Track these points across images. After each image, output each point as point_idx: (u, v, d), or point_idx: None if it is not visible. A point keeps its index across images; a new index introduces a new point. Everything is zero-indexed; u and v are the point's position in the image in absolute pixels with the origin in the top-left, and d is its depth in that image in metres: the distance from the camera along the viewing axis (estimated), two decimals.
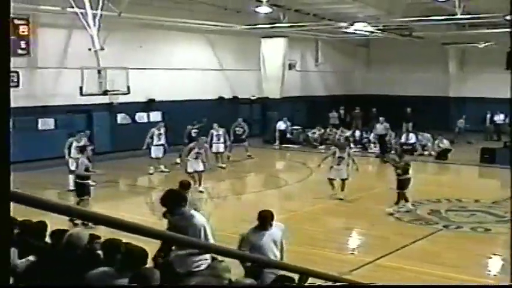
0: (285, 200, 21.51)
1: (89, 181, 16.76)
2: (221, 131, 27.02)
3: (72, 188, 18.52)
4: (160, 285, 6.68)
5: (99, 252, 8.47)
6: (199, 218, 7.92)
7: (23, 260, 7.84)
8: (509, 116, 35.14)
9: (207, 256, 7.99)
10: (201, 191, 20.53)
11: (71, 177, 19.84)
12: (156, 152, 24.75)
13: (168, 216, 8.26)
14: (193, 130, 27.18)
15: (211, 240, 7.82)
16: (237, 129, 29.37)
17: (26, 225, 9.51)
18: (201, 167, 20.89)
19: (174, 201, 7.83)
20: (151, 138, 24.78)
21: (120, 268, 6.80)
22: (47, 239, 9.38)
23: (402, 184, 18.13)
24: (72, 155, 20.37)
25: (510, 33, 24.85)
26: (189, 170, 20.63)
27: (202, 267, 7.93)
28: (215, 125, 27.20)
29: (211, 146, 25.72)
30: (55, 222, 8.98)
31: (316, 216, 17.89)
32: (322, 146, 33.21)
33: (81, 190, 16.43)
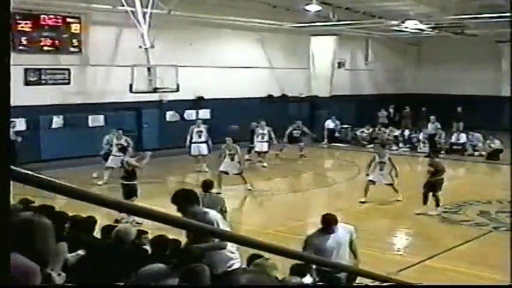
0: (332, 198, 21.47)
1: (135, 181, 16.82)
2: (266, 130, 26.93)
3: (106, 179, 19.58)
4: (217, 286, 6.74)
5: (147, 247, 8.61)
6: (211, 215, 7.87)
7: (73, 254, 8.01)
8: None
9: (236, 254, 8.07)
10: (249, 189, 20.71)
11: (107, 173, 20.46)
12: (194, 149, 24.74)
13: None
14: (295, 131, 27.62)
15: None
16: (294, 131, 29.17)
17: (76, 220, 9.71)
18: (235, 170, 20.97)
19: (185, 200, 7.69)
20: (191, 136, 24.80)
21: (174, 267, 6.85)
22: (96, 234, 9.56)
23: (432, 185, 17.80)
24: (114, 153, 20.88)
25: (510, 33, 24.79)
26: (221, 169, 20.76)
27: (237, 265, 8.00)
28: (262, 123, 27.18)
29: (252, 144, 26.10)
30: (105, 217, 9.15)
31: (364, 216, 17.81)
32: (371, 145, 33.06)
33: (129, 192, 16.48)
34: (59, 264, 3.60)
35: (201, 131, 25.10)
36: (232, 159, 20.85)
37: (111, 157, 21.15)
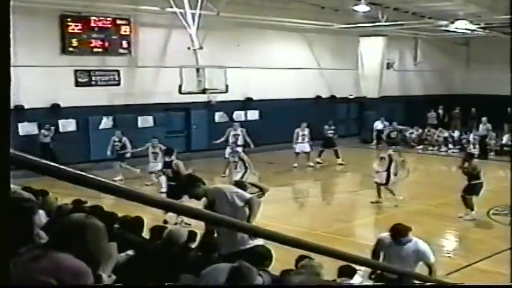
0: (383, 200, 21.33)
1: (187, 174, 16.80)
2: (306, 131, 26.78)
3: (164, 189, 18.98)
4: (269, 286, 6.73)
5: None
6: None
7: (123, 254, 8.07)
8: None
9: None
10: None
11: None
12: (230, 154, 24.04)
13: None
14: (330, 131, 27.48)
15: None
16: (329, 132, 28.62)
17: (125, 221, 9.79)
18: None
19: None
20: (227, 137, 24.50)
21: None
22: (144, 234, 9.61)
23: (470, 189, 17.47)
24: (151, 159, 21.17)
25: (510, 32, 24.38)
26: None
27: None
28: (303, 124, 27.02)
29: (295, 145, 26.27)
30: (151, 218, 9.21)
31: (413, 217, 17.62)
32: (420, 147, 32.83)
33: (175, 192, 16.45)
34: (111, 265, 3.66)
35: (237, 135, 24.74)
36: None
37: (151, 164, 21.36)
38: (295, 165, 26.29)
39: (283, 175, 25.05)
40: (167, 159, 17.72)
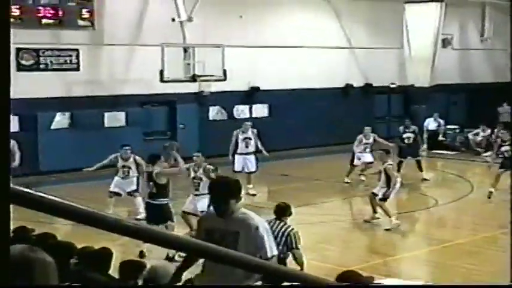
0: (435, 226, 21.32)
1: (166, 200, 16.78)
2: (371, 139, 26.62)
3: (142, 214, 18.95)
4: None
5: None
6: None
7: None
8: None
9: None
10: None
11: (110, 201, 20.25)
12: (239, 163, 24.00)
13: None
14: (407, 134, 27.43)
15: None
16: (405, 135, 28.47)
17: (86, 254, 9.81)
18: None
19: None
20: (235, 144, 24.12)
21: None
22: (112, 272, 9.63)
23: None
24: (119, 174, 20.80)
25: (510, 31, 24.47)
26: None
27: None
28: (367, 129, 26.94)
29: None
30: (123, 250, 9.23)
31: (479, 250, 17.64)
32: (489, 153, 32.72)
33: (159, 215, 16.43)
34: None
35: (248, 138, 24.39)
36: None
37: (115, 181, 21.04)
38: (348, 180, 26.17)
39: (303, 191, 25.04)
40: (150, 169, 17.72)
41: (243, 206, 18.23)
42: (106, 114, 27.55)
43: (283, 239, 12.19)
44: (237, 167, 23.87)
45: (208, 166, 18.22)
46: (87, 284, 8.60)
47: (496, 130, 34.02)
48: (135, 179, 20.16)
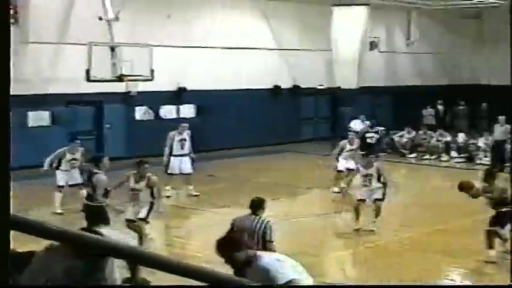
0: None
1: (104, 203, 16.61)
2: (355, 144, 26.07)
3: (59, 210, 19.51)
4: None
5: None
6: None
7: None
8: None
9: None
10: None
11: (59, 195, 20.33)
12: (174, 165, 23.71)
13: None
14: (369, 134, 27.16)
15: None
16: (368, 135, 28.21)
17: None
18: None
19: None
20: (171, 146, 23.70)
21: None
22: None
23: (498, 219, 17.28)
24: (62, 167, 20.78)
25: (510, 31, 24.96)
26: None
27: None
28: (351, 135, 26.66)
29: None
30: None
31: (404, 249, 17.82)
32: (413, 155, 33.12)
33: (97, 216, 16.24)
34: None
35: (184, 140, 24.05)
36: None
37: (60, 173, 20.98)
38: (336, 189, 24.95)
39: (230, 192, 25.03)
40: (94, 170, 17.62)
41: (166, 206, 18.26)
42: (30, 114, 27.27)
43: (261, 232, 12.27)
44: (172, 169, 23.65)
45: (153, 178, 17.49)
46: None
47: (420, 132, 34.52)
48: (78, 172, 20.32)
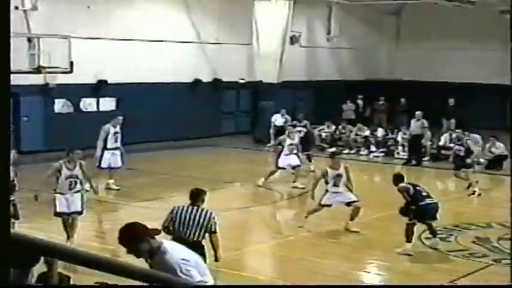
0: (273, 219, 21.62)
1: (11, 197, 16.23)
2: (296, 139, 25.77)
3: None
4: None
5: None
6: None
7: None
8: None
9: None
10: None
11: None
12: (110, 160, 23.41)
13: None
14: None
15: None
16: (297, 129, 27.81)
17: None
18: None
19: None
20: (105, 140, 23.08)
21: None
22: None
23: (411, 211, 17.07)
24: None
25: (510, 30, 25.31)
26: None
27: None
28: (289, 128, 26.57)
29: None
30: None
31: (322, 243, 17.86)
32: (333, 149, 33.24)
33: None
34: None
35: (117, 133, 23.70)
36: None
37: None
38: (260, 183, 24.88)
39: (150, 186, 24.90)
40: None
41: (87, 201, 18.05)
42: None
43: (203, 221, 12.29)
44: (105, 163, 23.24)
45: (83, 162, 17.37)
46: None
47: (340, 126, 34.74)
48: None
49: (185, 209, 12.32)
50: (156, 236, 8.22)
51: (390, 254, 17.15)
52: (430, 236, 17.79)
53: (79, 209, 16.76)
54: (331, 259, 16.76)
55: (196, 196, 12.51)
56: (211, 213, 12.40)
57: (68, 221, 16.54)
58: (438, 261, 16.70)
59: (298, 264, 16.10)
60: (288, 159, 24.87)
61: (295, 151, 25.07)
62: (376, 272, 16.70)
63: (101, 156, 22.84)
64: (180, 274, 8.05)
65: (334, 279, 15.07)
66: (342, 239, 18.50)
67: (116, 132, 23.13)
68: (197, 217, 12.14)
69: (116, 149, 23.51)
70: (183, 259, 8.14)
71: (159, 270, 7.94)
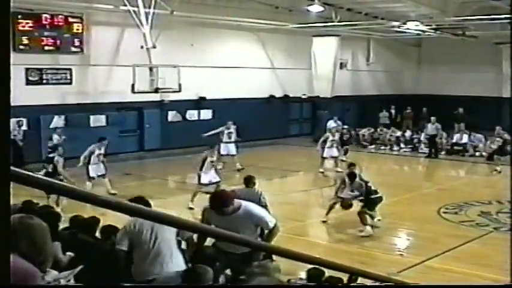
0: (328, 198, 21.53)
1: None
2: (337, 136, 26.32)
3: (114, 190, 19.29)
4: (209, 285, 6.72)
5: None
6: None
7: (66, 254, 7.95)
8: None
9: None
10: None
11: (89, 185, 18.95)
12: (224, 149, 24.39)
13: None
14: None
15: None
16: (225, 137, 25.94)
17: (78, 221, 9.64)
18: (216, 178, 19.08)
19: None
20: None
21: None
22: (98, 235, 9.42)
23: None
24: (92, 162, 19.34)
25: (510, 34, 24.68)
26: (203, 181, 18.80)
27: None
28: (332, 124, 27.09)
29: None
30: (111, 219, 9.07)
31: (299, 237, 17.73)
32: (372, 146, 33.13)
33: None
34: (50, 263, 3.44)
35: (231, 132, 25.39)
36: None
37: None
38: (322, 170, 25.05)
39: (243, 174, 24.90)
40: (51, 155, 18.11)
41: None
42: (91, 117, 27.19)
43: (261, 199, 11.94)
44: (223, 151, 24.19)
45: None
46: (76, 243, 8.44)
47: (378, 129, 34.55)
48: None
49: (245, 190, 12.20)
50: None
51: (416, 223, 17.07)
52: (447, 210, 17.64)
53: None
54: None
55: (249, 180, 12.60)
56: (261, 191, 12.42)
57: None
58: (453, 229, 16.53)
59: (350, 230, 16.00)
60: (330, 152, 25.27)
61: (335, 145, 25.45)
62: (402, 237, 16.56)
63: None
64: (264, 215, 8.53)
65: (376, 239, 14.99)
66: (383, 211, 18.07)
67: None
68: (255, 195, 11.89)
69: (230, 142, 25.20)
70: (258, 207, 8.77)
71: (242, 221, 8.06)
